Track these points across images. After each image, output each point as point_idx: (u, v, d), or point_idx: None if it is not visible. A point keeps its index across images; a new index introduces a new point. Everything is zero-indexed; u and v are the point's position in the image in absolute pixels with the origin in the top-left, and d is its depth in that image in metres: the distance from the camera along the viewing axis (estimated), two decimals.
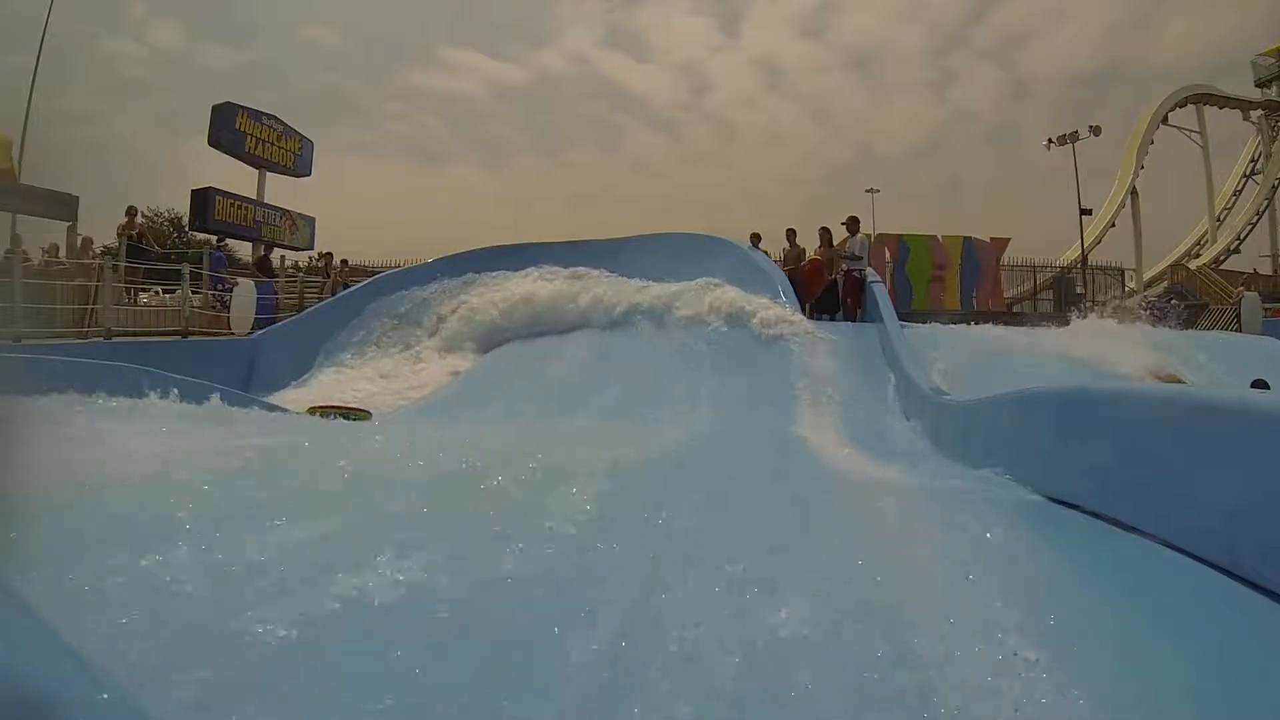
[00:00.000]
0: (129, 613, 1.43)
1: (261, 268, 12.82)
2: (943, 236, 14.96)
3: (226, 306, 10.15)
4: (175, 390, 4.08)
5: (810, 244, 10.34)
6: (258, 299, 10.36)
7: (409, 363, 9.24)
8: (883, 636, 1.56)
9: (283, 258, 14.65)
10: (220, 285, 10.85)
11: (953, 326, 9.24)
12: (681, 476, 3.35)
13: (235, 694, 1.25)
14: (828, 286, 9.59)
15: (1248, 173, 27.46)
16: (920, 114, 77.85)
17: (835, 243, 9.94)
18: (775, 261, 10.17)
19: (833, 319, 9.04)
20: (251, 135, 15.17)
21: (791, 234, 10.68)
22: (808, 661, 1.45)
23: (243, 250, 16.98)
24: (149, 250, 10.50)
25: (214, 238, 13.89)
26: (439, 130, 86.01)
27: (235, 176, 15.49)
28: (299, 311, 10.90)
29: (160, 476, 2.40)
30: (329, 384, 8.58)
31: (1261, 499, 1.77)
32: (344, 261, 13.10)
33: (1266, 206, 26.27)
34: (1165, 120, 26.75)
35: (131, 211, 10.53)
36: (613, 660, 1.45)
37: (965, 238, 15.00)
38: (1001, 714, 1.28)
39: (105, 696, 0.65)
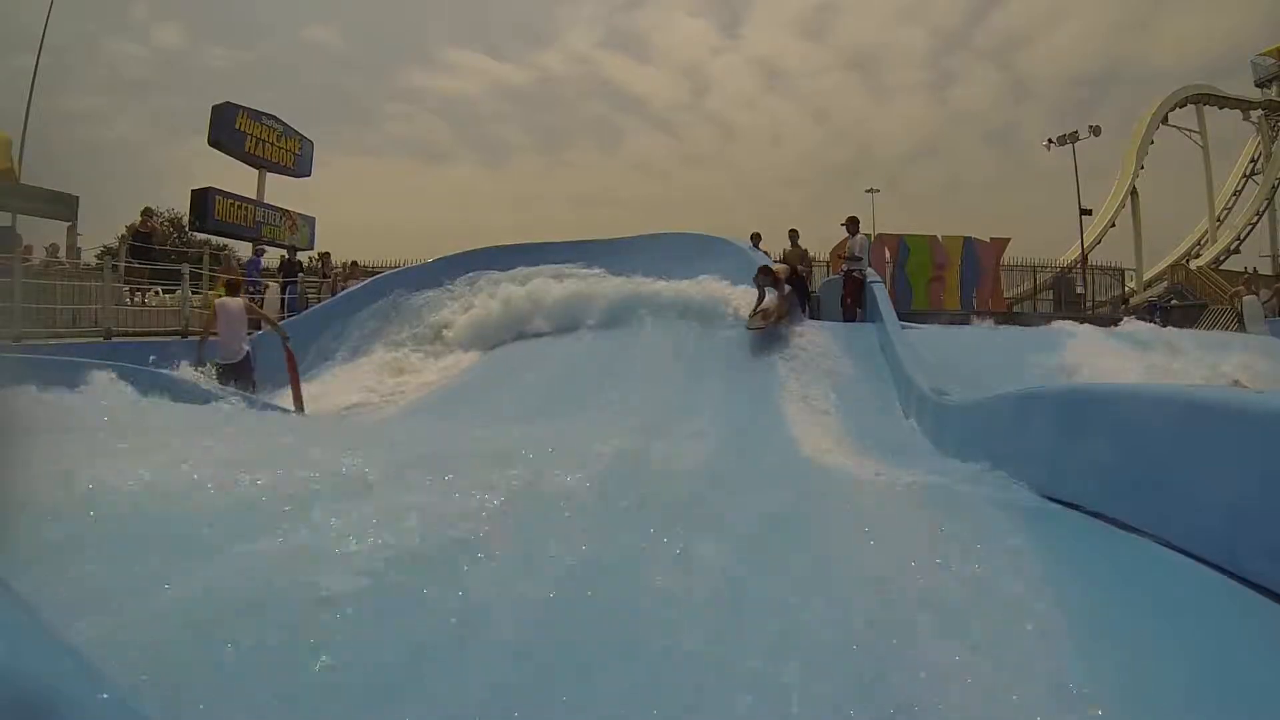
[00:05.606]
0: None
1: (286, 270, 13.02)
2: (943, 236, 14.96)
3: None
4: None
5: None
6: (284, 298, 11.68)
7: (409, 362, 9.23)
8: (882, 632, 1.56)
9: (310, 259, 14.69)
10: (255, 289, 11.98)
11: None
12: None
13: None
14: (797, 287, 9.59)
15: (1248, 173, 27.50)
16: (920, 115, 78.10)
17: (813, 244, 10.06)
18: (776, 261, 10.17)
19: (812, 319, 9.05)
20: (251, 135, 15.18)
21: (794, 234, 10.69)
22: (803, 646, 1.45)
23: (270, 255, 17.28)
24: (155, 249, 10.71)
25: (251, 244, 14.30)
26: (440, 130, 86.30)
27: (235, 176, 15.52)
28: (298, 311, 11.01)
29: None
30: (328, 384, 8.56)
31: (1261, 499, 1.77)
32: (353, 263, 13.08)
33: (1266, 206, 26.30)
34: (1165, 120, 26.79)
35: (148, 213, 10.84)
36: None
37: (965, 238, 15.00)
38: (1000, 712, 1.28)
39: (105, 696, 0.65)
